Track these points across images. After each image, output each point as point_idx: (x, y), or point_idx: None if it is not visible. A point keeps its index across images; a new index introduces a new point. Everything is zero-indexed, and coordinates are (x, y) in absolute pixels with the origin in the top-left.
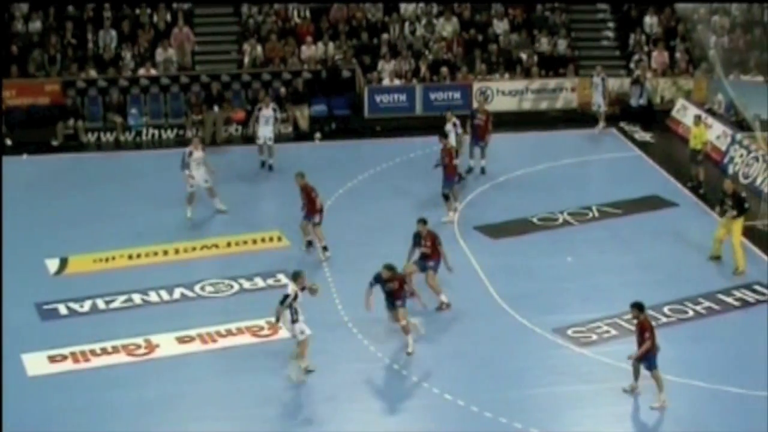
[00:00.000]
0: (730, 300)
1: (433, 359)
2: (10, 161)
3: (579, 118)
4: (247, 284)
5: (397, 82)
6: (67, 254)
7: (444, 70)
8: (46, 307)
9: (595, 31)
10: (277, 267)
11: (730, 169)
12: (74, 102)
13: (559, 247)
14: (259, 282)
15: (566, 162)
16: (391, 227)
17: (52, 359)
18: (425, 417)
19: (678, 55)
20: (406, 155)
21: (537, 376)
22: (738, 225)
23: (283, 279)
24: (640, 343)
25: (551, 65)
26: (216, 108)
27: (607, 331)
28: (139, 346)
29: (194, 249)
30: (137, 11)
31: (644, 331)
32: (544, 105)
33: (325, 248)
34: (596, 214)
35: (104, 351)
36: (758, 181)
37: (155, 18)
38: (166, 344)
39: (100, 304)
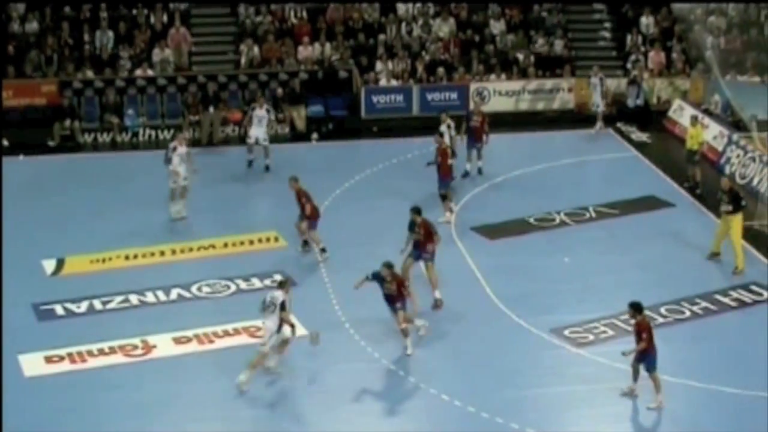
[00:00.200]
0: (727, 300)
1: (431, 360)
2: (7, 162)
3: (576, 118)
4: (244, 285)
5: (394, 82)
6: (63, 255)
7: (441, 70)
8: (42, 307)
9: (591, 32)
10: (274, 267)
11: (727, 170)
12: (71, 102)
13: (556, 248)
14: (256, 282)
15: (563, 162)
16: (388, 228)
17: (48, 360)
18: (422, 417)
19: (674, 55)
20: (403, 156)
21: (534, 377)
22: (737, 223)
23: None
24: (638, 343)
25: (548, 66)
26: (212, 108)
27: (604, 332)
28: (136, 347)
29: (191, 250)
30: (134, 12)
31: (641, 332)
32: (540, 105)
33: (323, 250)
34: (593, 215)
35: (101, 352)
36: (755, 181)
37: (152, 18)
38: (163, 345)
39: (97, 304)
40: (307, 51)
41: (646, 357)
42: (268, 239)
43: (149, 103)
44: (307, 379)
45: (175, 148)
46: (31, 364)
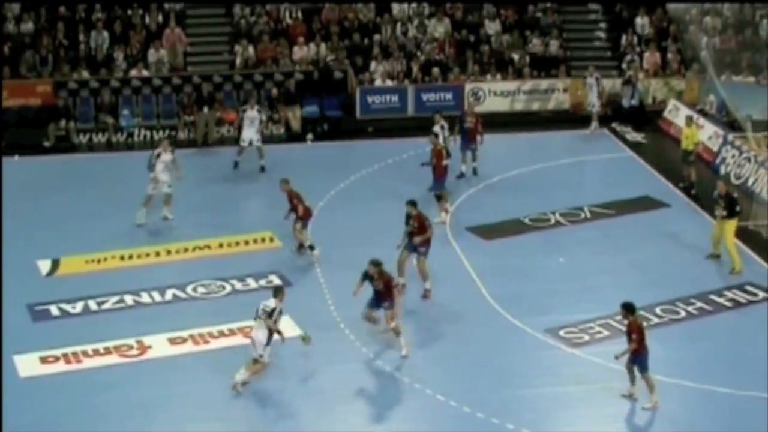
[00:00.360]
0: (721, 300)
1: (426, 360)
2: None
3: (571, 118)
4: (239, 285)
5: (389, 82)
6: (59, 255)
7: (436, 70)
8: (38, 308)
9: (586, 32)
10: (270, 268)
11: (722, 170)
12: (66, 103)
13: (552, 248)
14: (252, 283)
15: (558, 163)
16: (384, 228)
17: (44, 360)
18: (418, 418)
19: (670, 55)
20: (398, 156)
21: (529, 377)
22: (731, 226)
23: (276, 280)
24: (630, 344)
25: (543, 66)
26: (207, 109)
27: (600, 332)
28: (131, 347)
29: (186, 250)
30: (129, 12)
31: (631, 332)
32: (536, 106)
33: (311, 247)
34: (588, 215)
35: (96, 352)
36: (750, 181)
37: (147, 19)
38: (159, 345)
39: (92, 305)
40: (302, 51)
41: (637, 357)
42: (263, 240)
43: (144, 103)
44: (302, 380)
45: (159, 155)
46: (27, 364)
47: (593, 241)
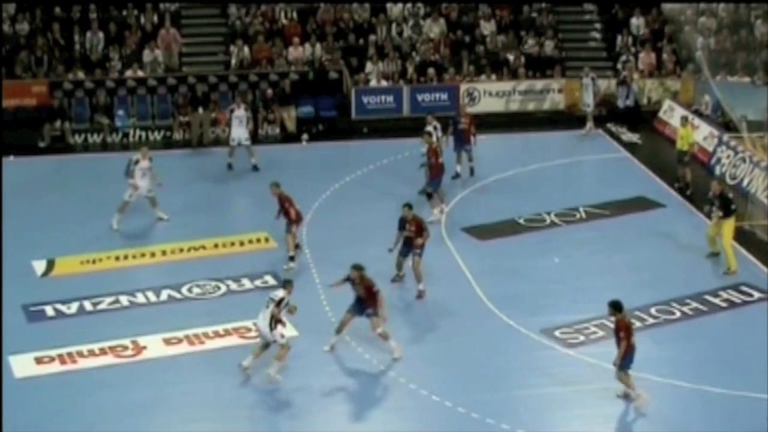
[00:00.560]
0: (716, 301)
1: (421, 360)
2: None
3: (566, 119)
4: (234, 286)
5: (384, 83)
6: (54, 256)
7: (431, 71)
8: (32, 308)
9: (582, 33)
10: (265, 268)
11: (717, 170)
12: (61, 103)
13: (547, 248)
14: (247, 283)
15: (553, 163)
16: (379, 228)
17: (39, 361)
18: (413, 418)
19: (665, 56)
20: (394, 157)
21: (524, 377)
22: (728, 226)
23: (271, 280)
24: (618, 343)
25: (538, 66)
26: (201, 109)
27: (595, 332)
28: (126, 348)
29: (181, 251)
30: (124, 12)
31: (619, 330)
32: (531, 106)
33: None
34: (583, 215)
35: (91, 353)
36: (745, 182)
37: (142, 19)
38: (154, 346)
39: (87, 305)
40: (297, 52)
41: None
42: (258, 240)
43: (139, 103)
44: (298, 380)
45: (137, 161)
46: (22, 365)
47: (588, 241)
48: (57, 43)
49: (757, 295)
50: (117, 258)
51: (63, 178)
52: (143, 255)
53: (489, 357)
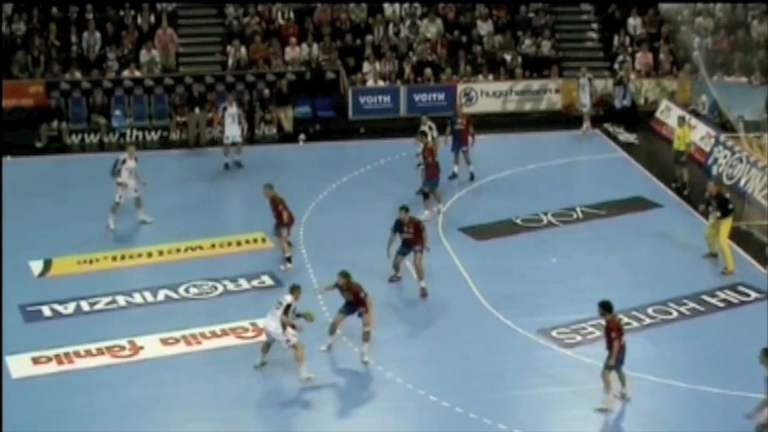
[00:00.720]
0: (713, 301)
1: (418, 361)
2: None
3: (563, 119)
4: (231, 286)
5: (381, 83)
6: (51, 256)
7: (428, 71)
8: (30, 308)
9: (578, 33)
10: (262, 268)
11: (714, 171)
12: (58, 103)
13: (544, 249)
14: (244, 283)
15: (550, 163)
16: (376, 229)
17: (36, 361)
18: (410, 418)
19: (662, 56)
20: (391, 157)
21: (522, 378)
22: (725, 226)
23: (268, 280)
24: (608, 343)
25: (535, 67)
26: (198, 110)
27: (592, 332)
28: (123, 348)
29: (178, 251)
30: (121, 13)
31: (610, 331)
32: (528, 106)
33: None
34: (580, 216)
35: (88, 353)
36: (742, 182)
37: (139, 19)
38: (151, 346)
39: (84, 305)
40: (294, 52)
41: (619, 355)
42: (255, 240)
43: (136, 104)
44: (295, 381)
45: (124, 161)
46: (19, 365)
47: (585, 241)
48: (54, 44)
49: (754, 295)
50: (114, 258)
51: (60, 178)
52: (140, 255)
53: (486, 357)
